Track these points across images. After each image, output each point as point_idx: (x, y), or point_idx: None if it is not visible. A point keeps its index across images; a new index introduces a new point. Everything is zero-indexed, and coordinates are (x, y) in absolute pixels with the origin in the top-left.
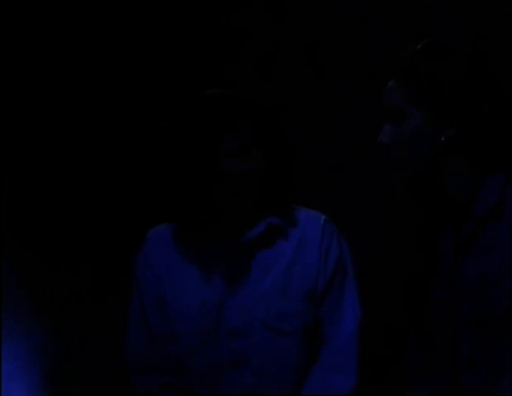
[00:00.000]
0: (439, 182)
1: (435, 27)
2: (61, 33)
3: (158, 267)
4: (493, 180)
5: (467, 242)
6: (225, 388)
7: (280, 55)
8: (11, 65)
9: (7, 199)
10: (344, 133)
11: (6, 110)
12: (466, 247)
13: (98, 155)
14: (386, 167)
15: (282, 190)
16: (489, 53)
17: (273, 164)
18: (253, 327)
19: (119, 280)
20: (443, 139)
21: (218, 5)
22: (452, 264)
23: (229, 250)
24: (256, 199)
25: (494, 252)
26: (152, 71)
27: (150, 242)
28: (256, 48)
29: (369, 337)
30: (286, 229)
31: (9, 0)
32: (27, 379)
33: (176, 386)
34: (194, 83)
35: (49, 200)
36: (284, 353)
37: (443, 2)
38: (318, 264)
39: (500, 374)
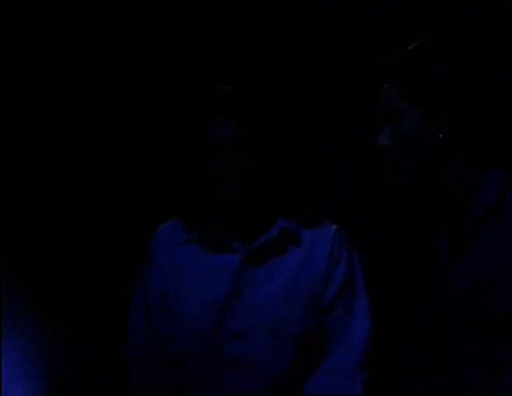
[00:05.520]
0: (438, 181)
1: (435, 27)
2: (61, 33)
3: (165, 266)
4: (492, 177)
5: (465, 241)
6: (224, 390)
7: (278, 55)
8: (14, 61)
9: (4, 197)
10: (343, 133)
11: (4, 110)
12: (464, 246)
13: (95, 152)
14: (385, 167)
15: (293, 194)
16: (487, 52)
17: (278, 162)
18: (255, 331)
19: (119, 280)
20: (440, 135)
21: (218, 5)
22: (449, 264)
23: (239, 254)
24: (258, 196)
25: (491, 251)
26: (154, 71)
27: (159, 239)
28: (255, 47)
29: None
30: (297, 235)
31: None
32: (27, 379)
33: (175, 384)
34: (194, 83)
35: (48, 198)
36: (284, 358)
37: (443, 2)
38: (326, 274)
39: (499, 374)
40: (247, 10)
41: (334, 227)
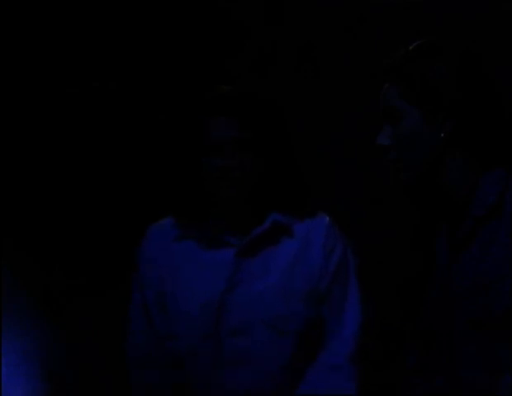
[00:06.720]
0: (438, 181)
1: (435, 27)
2: (61, 33)
3: (162, 266)
4: (492, 177)
5: (465, 241)
6: (224, 387)
7: (278, 55)
8: (14, 61)
9: (4, 197)
10: (343, 133)
11: (4, 110)
12: (464, 246)
13: (95, 152)
14: (385, 167)
15: (293, 194)
16: (487, 52)
17: (278, 162)
18: (254, 326)
19: (119, 280)
20: (442, 135)
21: (218, 5)
22: (449, 264)
23: (233, 248)
24: (258, 196)
25: (491, 251)
26: (154, 71)
27: (153, 238)
28: (255, 47)
29: (367, 337)
30: (290, 227)
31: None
32: (27, 379)
33: (175, 384)
34: (194, 83)
35: (48, 198)
36: (284, 353)
37: (443, 2)
38: (321, 266)
39: (499, 374)
40: (247, 10)
41: (327, 219)
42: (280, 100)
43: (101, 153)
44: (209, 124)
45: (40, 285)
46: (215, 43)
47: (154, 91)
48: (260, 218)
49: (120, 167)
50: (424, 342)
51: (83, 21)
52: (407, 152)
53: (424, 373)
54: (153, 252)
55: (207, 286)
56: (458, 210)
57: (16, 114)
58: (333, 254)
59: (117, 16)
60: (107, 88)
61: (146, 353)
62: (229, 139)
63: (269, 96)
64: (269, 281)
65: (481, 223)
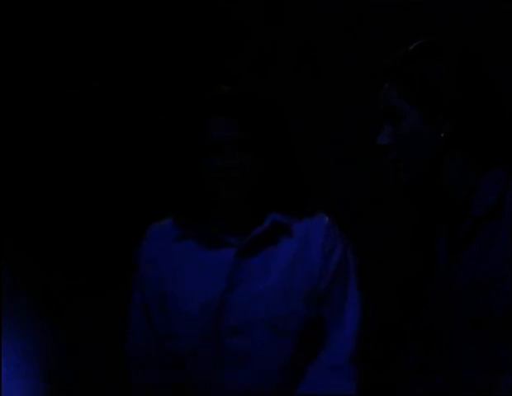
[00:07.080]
0: (438, 181)
1: (435, 27)
2: (61, 33)
3: (162, 266)
4: (492, 177)
5: (465, 241)
6: (224, 387)
7: (278, 55)
8: (14, 61)
9: (4, 197)
10: (343, 133)
11: (4, 110)
12: (464, 246)
13: (95, 152)
14: (385, 167)
15: (293, 194)
16: (487, 52)
17: (278, 162)
18: (254, 326)
19: (119, 280)
20: (442, 135)
21: (218, 5)
22: (449, 264)
23: (233, 248)
24: (258, 196)
25: (491, 251)
26: (154, 71)
27: (153, 238)
28: (255, 47)
29: (367, 337)
30: (290, 227)
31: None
32: (27, 379)
33: (175, 384)
34: (194, 83)
35: (48, 198)
36: (284, 353)
37: (443, 2)
38: (321, 265)
39: (499, 374)
40: (247, 10)
41: (326, 219)
42: (280, 100)
43: (101, 153)
44: (209, 124)
45: (40, 285)
46: (215, 43)
47: (154, 91)
48: (260, 218)
49: (120, 167)
50: (424, 342)
51: (83, 21)
52: (407, 152)
53: (424, 373)
54: (153, 252)
55: (207, 286)
56: (458, 210)
57: (17, 114)
58: (332, 254)
59: (117, 16)
60: (107, 88)
61: (146, 353)
62: (229, 139)
63: (269, 96)
64: (269, 281)
65: (481, 223)
